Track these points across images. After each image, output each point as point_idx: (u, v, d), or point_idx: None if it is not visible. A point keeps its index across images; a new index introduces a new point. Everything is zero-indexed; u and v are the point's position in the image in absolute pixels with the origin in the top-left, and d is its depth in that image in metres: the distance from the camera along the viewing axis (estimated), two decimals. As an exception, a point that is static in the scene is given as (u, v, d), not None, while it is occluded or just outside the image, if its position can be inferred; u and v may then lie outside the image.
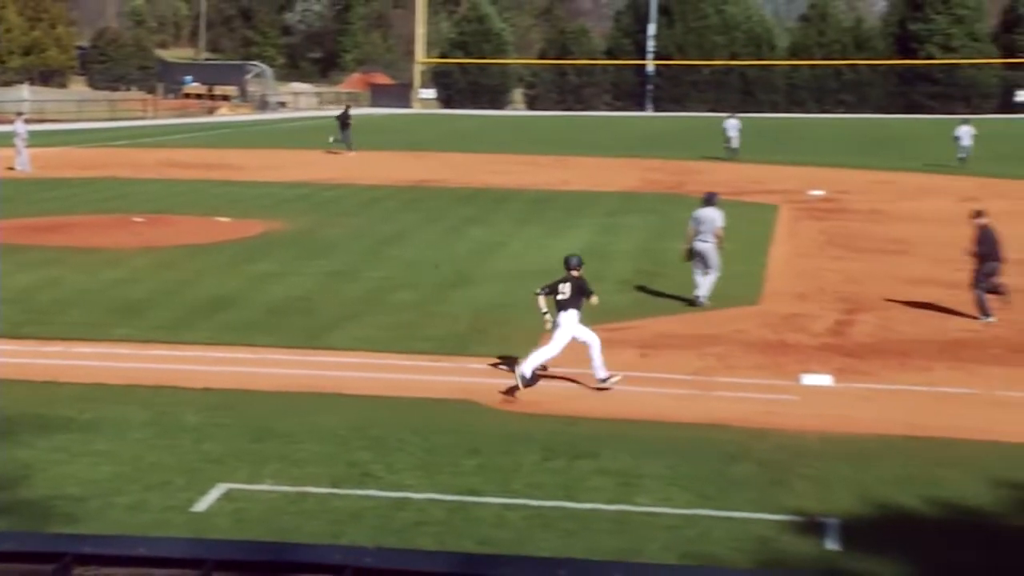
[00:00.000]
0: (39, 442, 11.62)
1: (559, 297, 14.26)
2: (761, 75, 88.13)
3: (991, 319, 17.46)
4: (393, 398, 13.66)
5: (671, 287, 20.29)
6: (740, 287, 20.05)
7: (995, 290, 17.94)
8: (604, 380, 14.11)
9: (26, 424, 12.18)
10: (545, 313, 14.15)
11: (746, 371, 15.01)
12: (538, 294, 14.33)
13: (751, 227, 27.11)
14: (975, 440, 12.19)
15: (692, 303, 18.45)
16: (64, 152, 45.48)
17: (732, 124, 46.10)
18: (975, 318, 17.65)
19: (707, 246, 18.38)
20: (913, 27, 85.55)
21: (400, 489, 10.60)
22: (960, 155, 42.32)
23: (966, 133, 42.43)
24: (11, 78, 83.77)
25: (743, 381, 14.54)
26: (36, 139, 40.95)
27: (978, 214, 18.47)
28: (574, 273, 14.57)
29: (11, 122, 41.73)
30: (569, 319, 14.14)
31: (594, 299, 14.45)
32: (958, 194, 33.32)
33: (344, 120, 48.39)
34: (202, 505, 10.17)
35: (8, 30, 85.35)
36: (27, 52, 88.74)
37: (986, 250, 17.84)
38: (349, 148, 46.93)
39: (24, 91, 78.60)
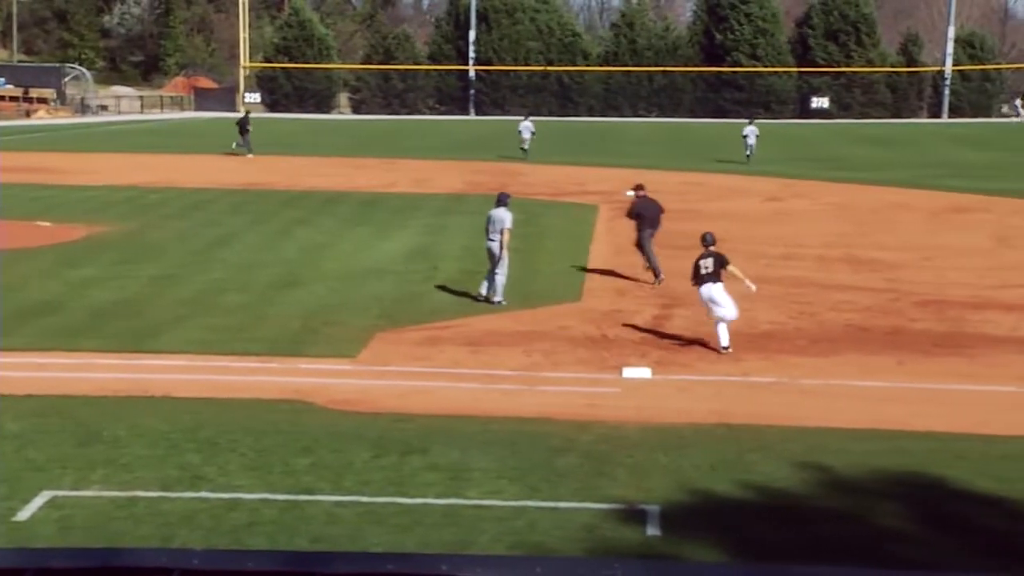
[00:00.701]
0: None
1: (703, 272, 15.92)
2: (578, 81, 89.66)
3: (660, 280, 20.11)
4: (224, 400, 13.35)
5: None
6: (563, 285, 20.35)
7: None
8: (726, 348, 15.66)
9: None
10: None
11: (570, 366, 15.23)
12: (695, 284, 16.12)
13: (572, 226, 27.58)
14: (782, 426, 12.65)
15: (476, 299, 18.75)
16: None
17: (526, 126, 47.68)
18: (650, 279, 20.56)
19: (494, 245, 18.61)
20: (718, 36, 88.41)
21: (232, 490, 10.36)
22: (747, 152, 45.23)
23: (751, 132, 45.37)
24: None
25: (568, 375, 14.75)
26: None
27: (638, 187, 22.04)
28: (712, 248, 16.18)
29: None
30: (718, 289, 15.80)
31: (747, 282, 16.27)
32: (763, 194, 34.61)
33: (243, 125, 48.24)
34: (25, 514, 9.72)
35: None
36: None
37: (643, 216, 21.32)
38: (249, 151, 46.91)
39: None
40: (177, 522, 9.66)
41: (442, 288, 20.26)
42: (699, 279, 15.89)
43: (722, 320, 15.74)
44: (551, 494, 10.50)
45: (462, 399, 13.66)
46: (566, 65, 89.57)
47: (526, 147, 46.90)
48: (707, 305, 15.93)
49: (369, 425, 12.43)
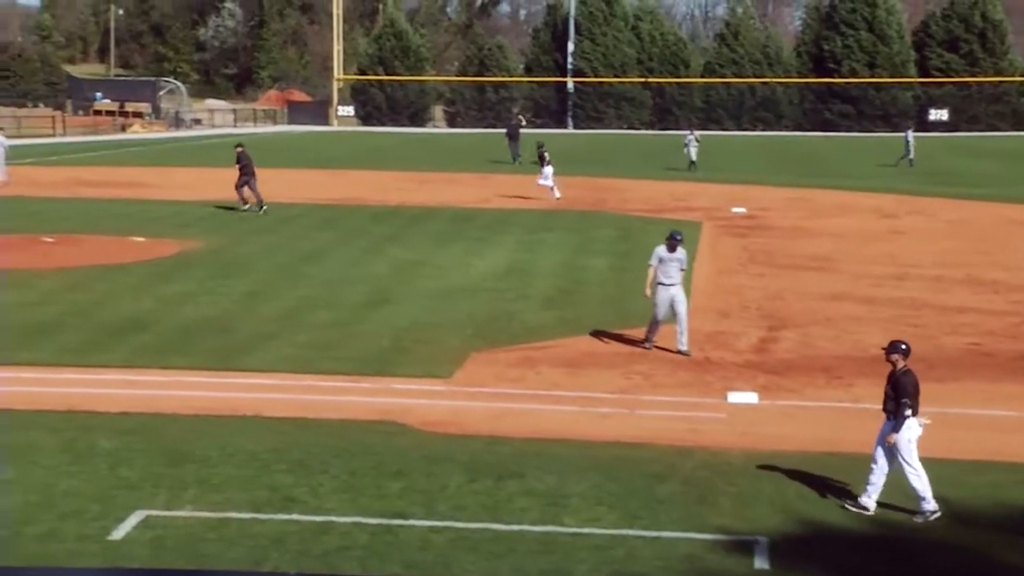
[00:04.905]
0: (-57, 471, 11.31)
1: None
2: (679, 92, 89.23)
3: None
4: (314, 420, 13.53)
5: (594, 305, 20.43)
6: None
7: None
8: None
9: (-70, 452, 11.85)
10: None
11: (672, 389, 15.13)
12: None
13: (673, 244, 27.36)
14: (897, 455, 12.36)
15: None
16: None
17: (691, 139, 49.75)
18: None
19: (676, 289, 17.10)
20: (828, 45, 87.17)
21: (323, 513, 10.49)
22: (907, 157, 50.50)
23: (908, 137, 51.32)
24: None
25: (669, 399, 14.66)
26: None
27: (239, 145, 33.61)
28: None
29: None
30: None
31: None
32: (877, 211, 34.02)
33: (512, 133, 52.12)
34: (119, 533, 9.96)
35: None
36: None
37: (244, 168, 32.75)
38: (516, 160, 50.77)
39: (-75, 107, 76.60)
40: (268, 545, 9.81)
41: (538, 307, 20.28)
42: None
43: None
44: (652, 522, 10.43)
45: (559, 422, 13.65)
46: (667, 76, 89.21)
47: (694, 159, 48.60)
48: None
49: (463, 448, 12.49)
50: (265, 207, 32.49)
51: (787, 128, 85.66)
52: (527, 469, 11.71)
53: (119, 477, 11.25)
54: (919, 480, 10.75)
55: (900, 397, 10.76)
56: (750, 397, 14.63)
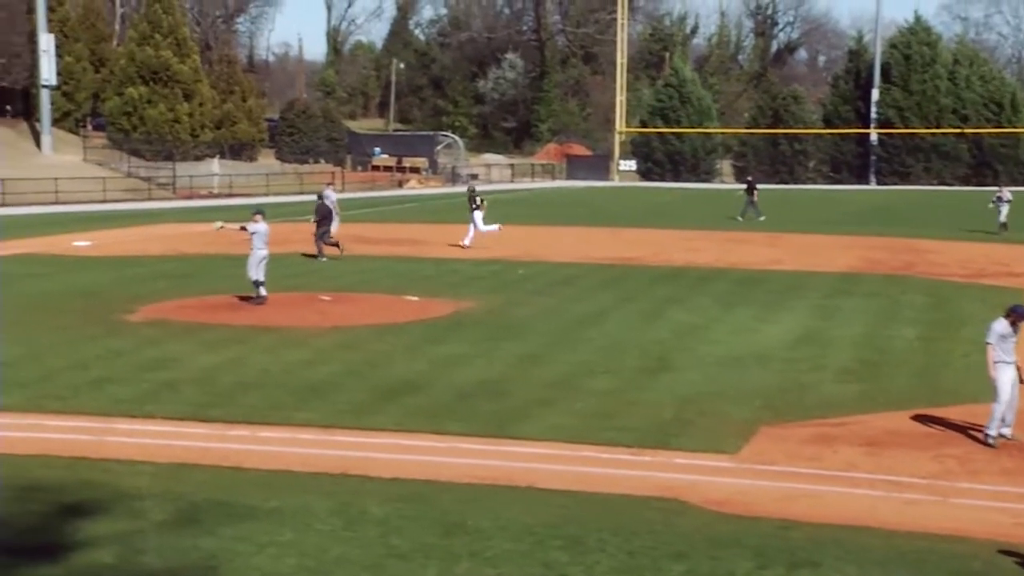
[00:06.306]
0: (224, 530, 11.96)
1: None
2: (1001, 144, 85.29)
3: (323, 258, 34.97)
4: (590, 494, 13.57)
5: (900, 379, 19.67)
6: (982, 381, 19.21)
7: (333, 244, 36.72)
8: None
9: (211, 511, 12.59)
10: None
11: (992, 477, 14.34)
12: None
13: (993, 313, 26.07)
14: None
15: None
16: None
17: (1005, 195, 47.82)
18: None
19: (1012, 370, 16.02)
20: None
21: (599, 595, 10.46)
22: None
23: None
24: (203, 152, 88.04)
25: (988, 488, 13.90)
26: (222, 215, 42.86)
27: (319, 196, 38.57)
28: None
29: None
30: None
31: None
32: None
33: (751, 191, 55.72)
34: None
35: (201, 103, 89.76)
36: (219, 125, 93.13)
37: (322, 217, 36.87)
38: (758, 216, 53.99)
39: (215, 165, 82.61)
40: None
41: (835, 378, 19.72)
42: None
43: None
44: (967, 628, 9.87)
45: (857, 507, 13.17)
46: (988, 126, 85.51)
47: (1004, 220, 47.02)
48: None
49: (751, 531, 12.23)
50: (324, 258, 36.54)
51: None
52: (823, 558, 11.33)
53: (390, 546, 11.59)
54: None
55: None
56: (1087, 490, 13.67)
